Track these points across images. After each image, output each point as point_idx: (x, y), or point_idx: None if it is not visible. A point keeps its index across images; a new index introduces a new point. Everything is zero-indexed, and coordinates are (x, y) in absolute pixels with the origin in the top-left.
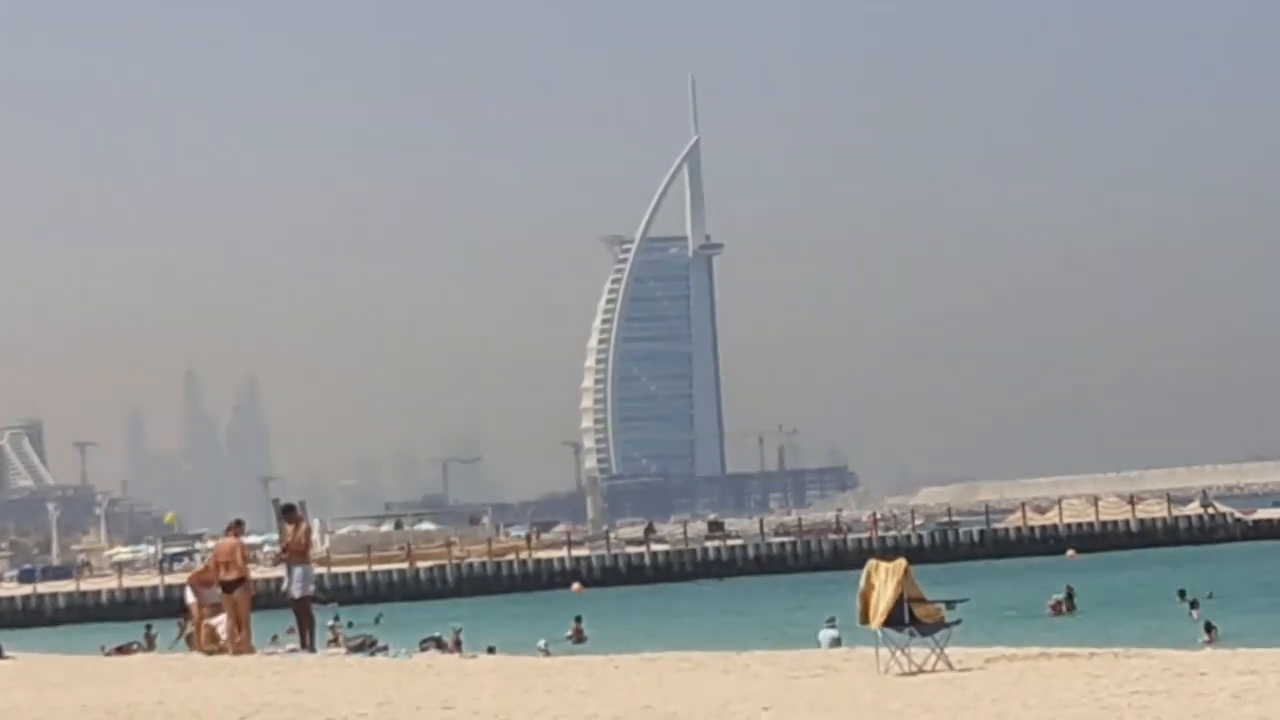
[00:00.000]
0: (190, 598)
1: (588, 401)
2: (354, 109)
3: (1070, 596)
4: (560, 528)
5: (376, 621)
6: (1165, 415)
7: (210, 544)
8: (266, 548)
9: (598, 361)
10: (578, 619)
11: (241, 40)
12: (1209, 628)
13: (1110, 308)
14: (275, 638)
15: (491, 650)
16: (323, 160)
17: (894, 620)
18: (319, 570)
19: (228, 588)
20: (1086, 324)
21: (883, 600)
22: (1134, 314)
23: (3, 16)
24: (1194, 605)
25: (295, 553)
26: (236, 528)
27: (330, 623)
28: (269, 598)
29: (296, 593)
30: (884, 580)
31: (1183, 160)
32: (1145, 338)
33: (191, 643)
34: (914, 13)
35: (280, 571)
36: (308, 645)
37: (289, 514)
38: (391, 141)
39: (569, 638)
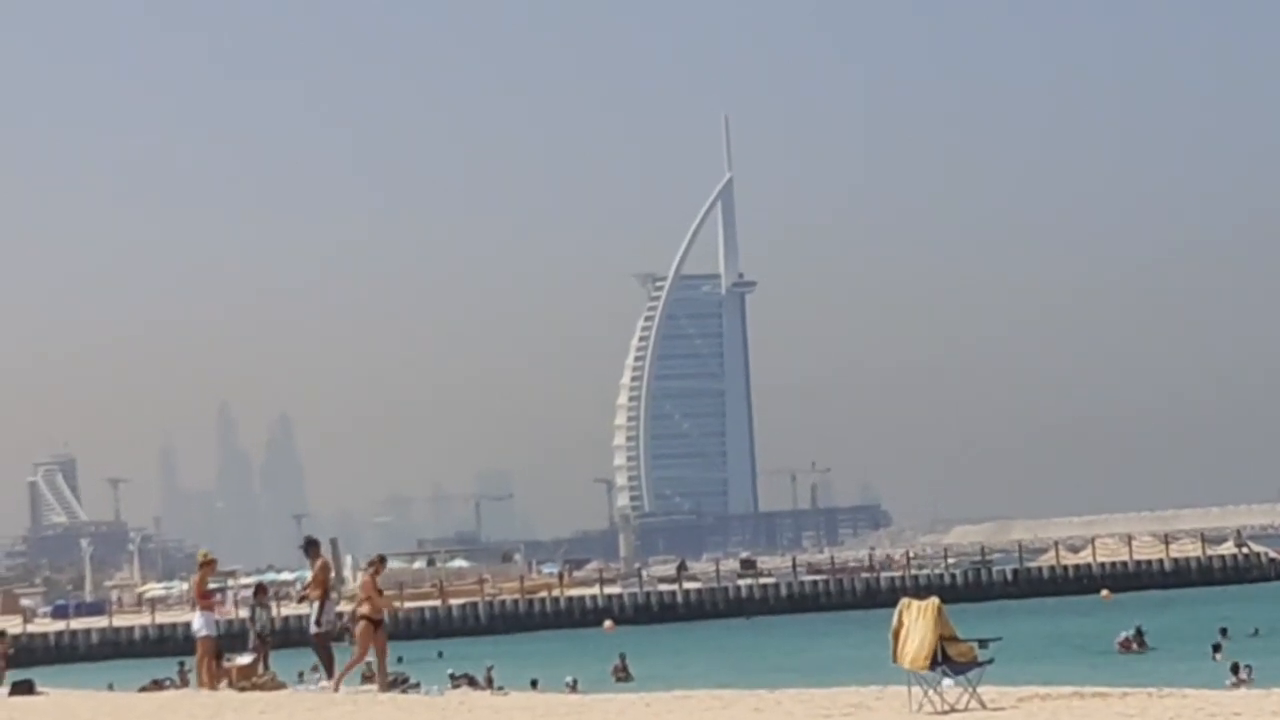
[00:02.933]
0: (203, 627)
1: (620, 439)
2: (387, 144)
3: (1140, 634)
4: (592, 565)
5: (440, 656)
6: (1200, 454)
7: (246, 580)
8: (298, 585)
9: (630, 399)
10: (622, 656)
11: (265, 76)
12: (1235, 669)
13: (1145, 345)
14: (301, 675)
15: (534, 684)
16: (354, 195)
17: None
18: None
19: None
20: (1120, 362)
21: (914, 638)
22: (1169, 352)
23: None
24: (1216, 649)
25: (315, 588)
26: (379, 564)
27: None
28: (292, 635)
29: (315, 628)
30: (915, 619)
31: (1216, 188)
32: (1180, 376)
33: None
34: (944, 52)
35: (306, 609)
36: (331, 679)
37: (309, 549)
38: (422, 178)
39: (613, 675)
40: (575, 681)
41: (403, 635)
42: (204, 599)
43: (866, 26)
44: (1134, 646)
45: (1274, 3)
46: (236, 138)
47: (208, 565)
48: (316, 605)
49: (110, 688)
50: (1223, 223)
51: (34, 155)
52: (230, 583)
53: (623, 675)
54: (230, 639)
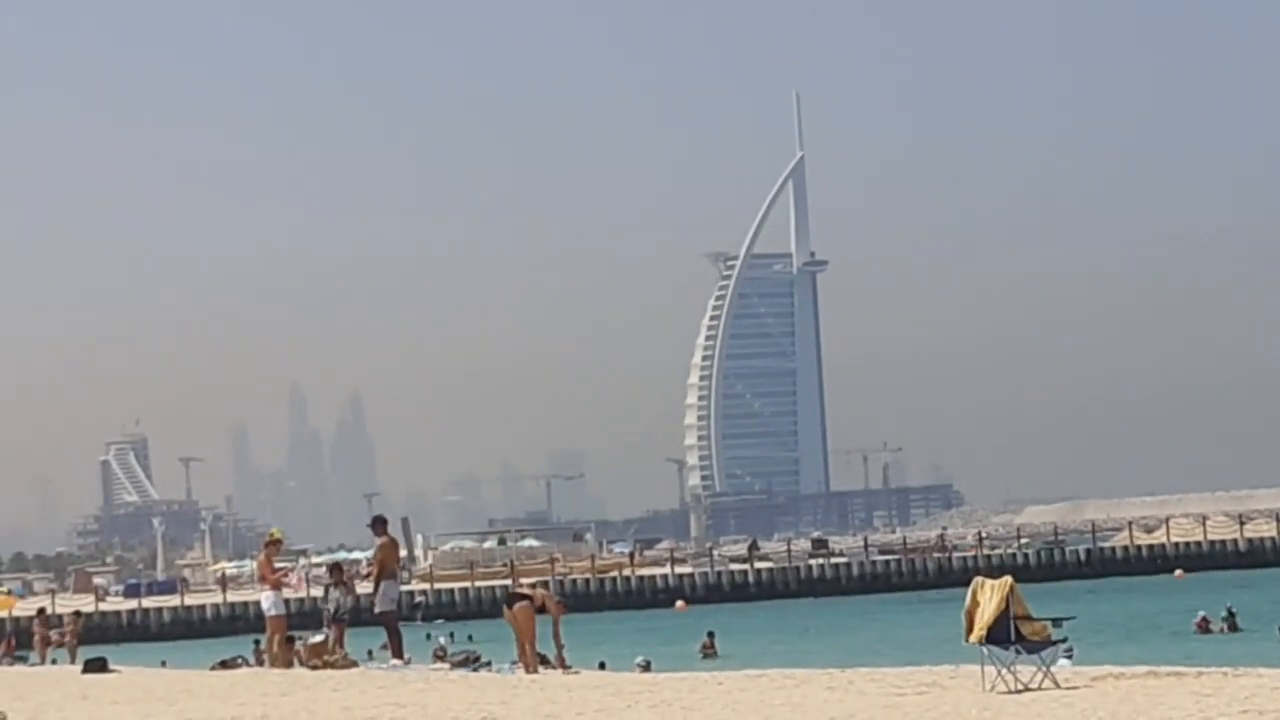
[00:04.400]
0: (271, 606)
1: (691, 419)
2: (458, 127)
3: (1232, 615)
4: (663, 545)
5: (470, 640)
6: (1274, 433)
7: (317, 559)
8: (365, 564)
9: (701, 379)
10: (710, 634)
11: (329, 71)
12: None
13: (1216, 323)
14: (370, 653)
15: (602, 666)
16: (430, 181)
17: (999, 637)
18: (424, 586)
19: (512, 600)
20: (1194, 339)
21: (985, 614)
22: (1242, 327)
23: None
24: None
25: (375, 566)
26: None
27: (442, 639)
28: (364, 614)
29: (379, 607)
30: (989, 597)
31: (1256, 168)
32: (1254, 352)
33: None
34: (1017, 25)
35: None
36: (397, 656)
37: (376, 527)
38: (496, 162)
39: (701, 652)
40: (648, 662)
41: (474, 614)
42: (271, 577)
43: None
44: (1222, 628)
45: None
46: (295, 124)
47: (274, 544)
48: (383, 585)
49: (163, 664)
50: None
51: (103, 147)
52: (302, 561)
53: (710, 652)
54: (303, 617)
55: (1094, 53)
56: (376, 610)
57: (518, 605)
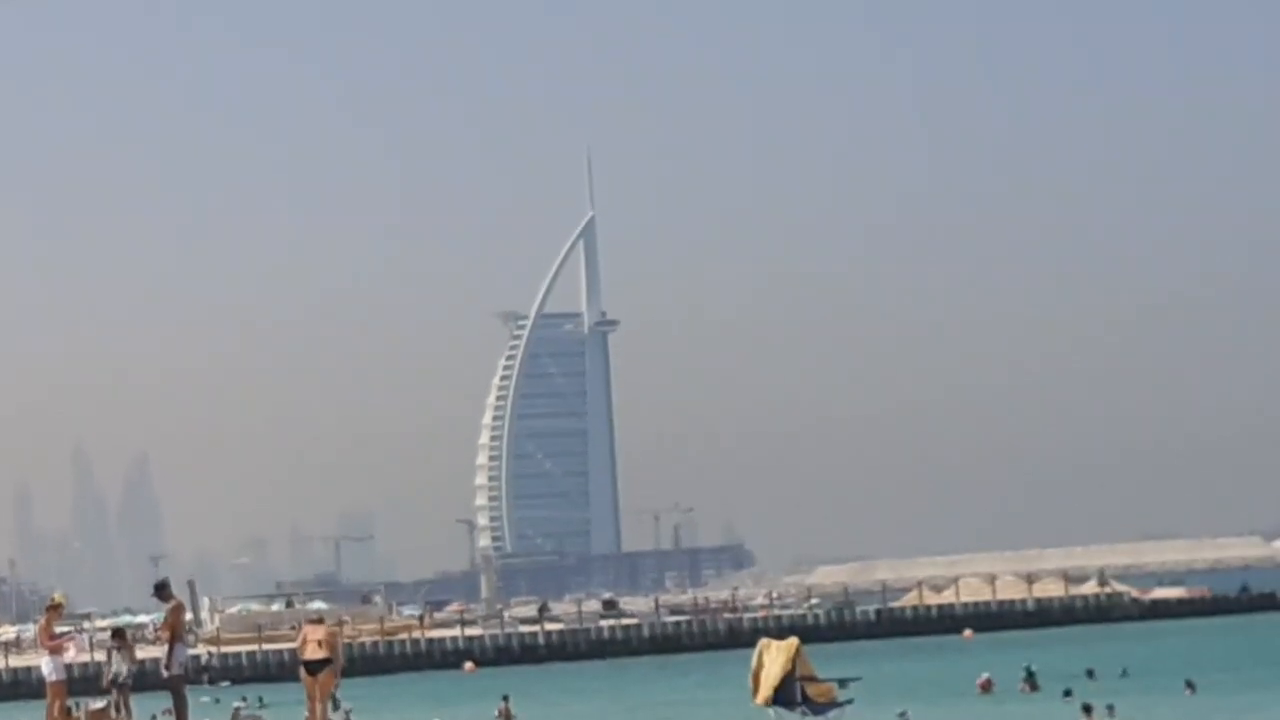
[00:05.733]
0: (51, 672)
1: (482, 479)
2: (259, 188)
3: (1032, 675)
4: (453, 606)
5: (261, 703)
6: (1062, 494)
7: (101, 622)
8: (152, 628)
9: (492, 439)
10: (505, 698)
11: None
12: (1087, 709)
13: (1005, 385)
14: (154, 718)
15: None
16: (210, 230)
17: (787, 699)
18: (210, 650)
19: (313, 668)
20: (980, 402)
21: (769, 676)
22: (1030, 392)
23: None
24: (1067, 693)
25: (165, 630)
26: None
27: (236, 704)
28: (149, 678)
29: (171, 671)
30: (774, 658)
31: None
32: (1041, 416)
33: None
34: (804, 87)
35: (159, 651)
36: None
37: (161, 592)
38: (282, 213)
39: (497, 716)
40: None
41: (261, 678)
42: (51, 642)
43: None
44: (1023, 688)
45: None
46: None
47: (55, 609)
48: (167, 648)
49: None
50: (1096, 280)
51: None
52: (86, 625)
53: (507, 716)
54: (86, 682)
55: (867, 101)
56: (167, 674)
57: (323, 672)
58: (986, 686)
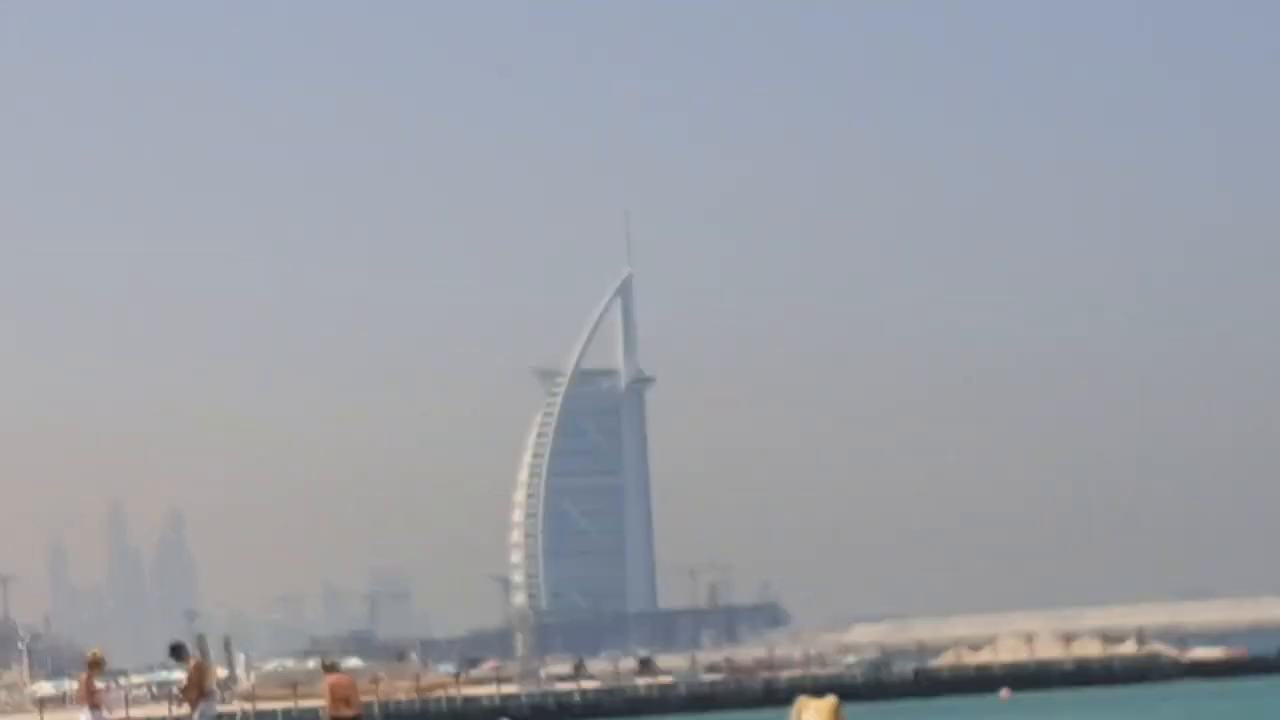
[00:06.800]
0: None
1: (517, 536)
2: (280, 235)
3: None
4: (489, 664)
5: None
6: (1101, 552)
7: (136, 679)
8: (177, 687)
9: (528, 496)
10: None
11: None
12: None
13: (1046, 442)
14: None
15: None
16: (248, 287)
17: None
18: (245, 706)
19: None
20: (1021, 460)
21: None
22: (1070, 448)
23: None
24: None
25: (192, 690)
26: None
27: None
28: None
29: None
30: (811, 717)
31: (1115, 281)
32: (1080, 473)
33: None
34: (849, 143)
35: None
36: None
37: (177, 654)
38: (319, 269)
39: None
40: None
41: None
42: (91, 697)
43: (754, 123)
44: None
45: None
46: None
47: (95, 664)
48: (191, 708)
49: None
50: (1121, 304)
51: None
52: (121, 681)
53: None
54: None
55: (919, 174)
56: None
57: None
58: None
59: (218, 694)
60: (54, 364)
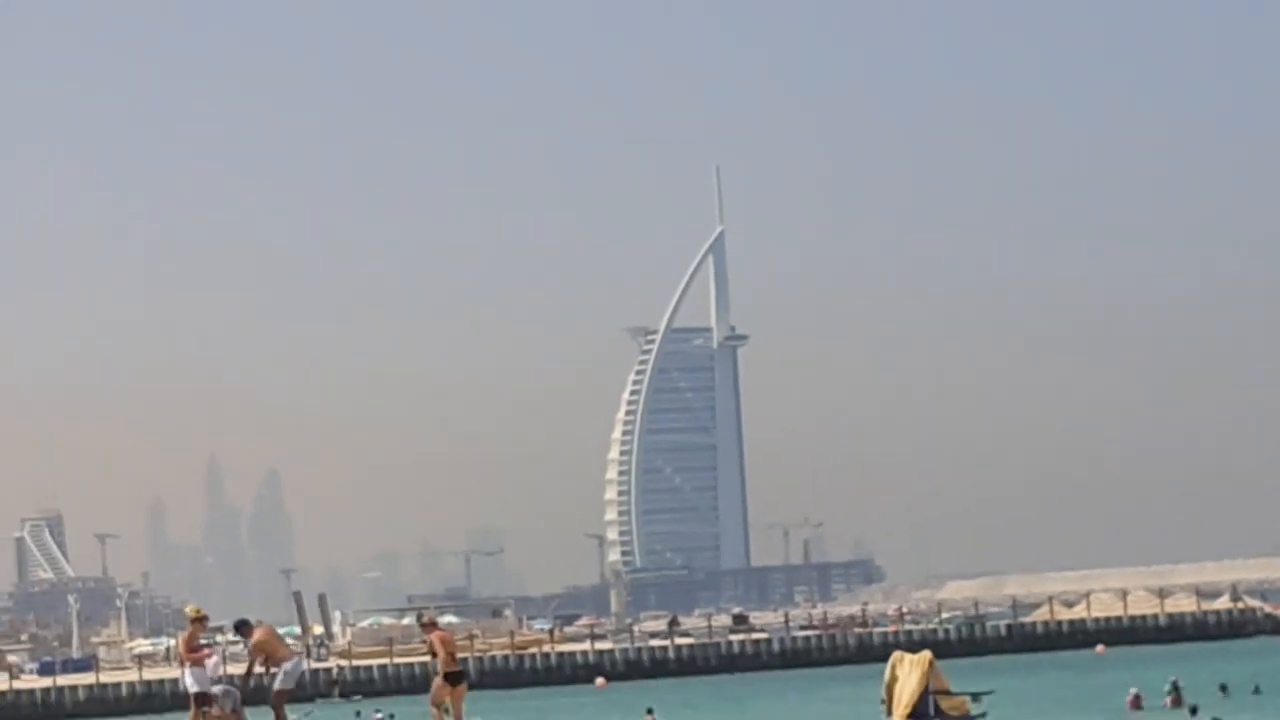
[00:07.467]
0: (193, 684)
1: (611, 494)
2: (385, 206)
3: (1177, 689)
4: (583, 621)
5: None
6: (1194, 508)
7: (232, 637)
8: (289, 640)
9: (621, 453)
10: (649, 711)
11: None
12: (1194, 711)
13: (1137, 399)
14: None
15: None
16: (350, 253)
17: (919, 712)
18: (341, 663)
19: (454, 679)
20: (1116, 415)
21: (905, 691)
22: (1163, 404)
23: None
24: (1194, 710)
25: (270, 656)
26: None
27: (376, 714)
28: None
29: (279, 685)
30: (907, 672)
31: (1211, 235)
32: (1174, 429)
33: None
34: (940, 100)
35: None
36: None
37: (241, 630)
38: (416, 232)
39: None
40: None
41: (392, 691)
42: (193, 655)
43: (849, 84)
44: (1166, 703)
45: None
46: (208, 215)
47: (198, 622)
48: (264, 671)
49: None
50: (1211, 262)
51: (25, 224)
52: (218, 638)
53: None
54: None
55: (1013, 133)
56: (277, 687)
57: (461, 684)
58: (1136, 702)
59: (297, 654)
60: (154, 324)
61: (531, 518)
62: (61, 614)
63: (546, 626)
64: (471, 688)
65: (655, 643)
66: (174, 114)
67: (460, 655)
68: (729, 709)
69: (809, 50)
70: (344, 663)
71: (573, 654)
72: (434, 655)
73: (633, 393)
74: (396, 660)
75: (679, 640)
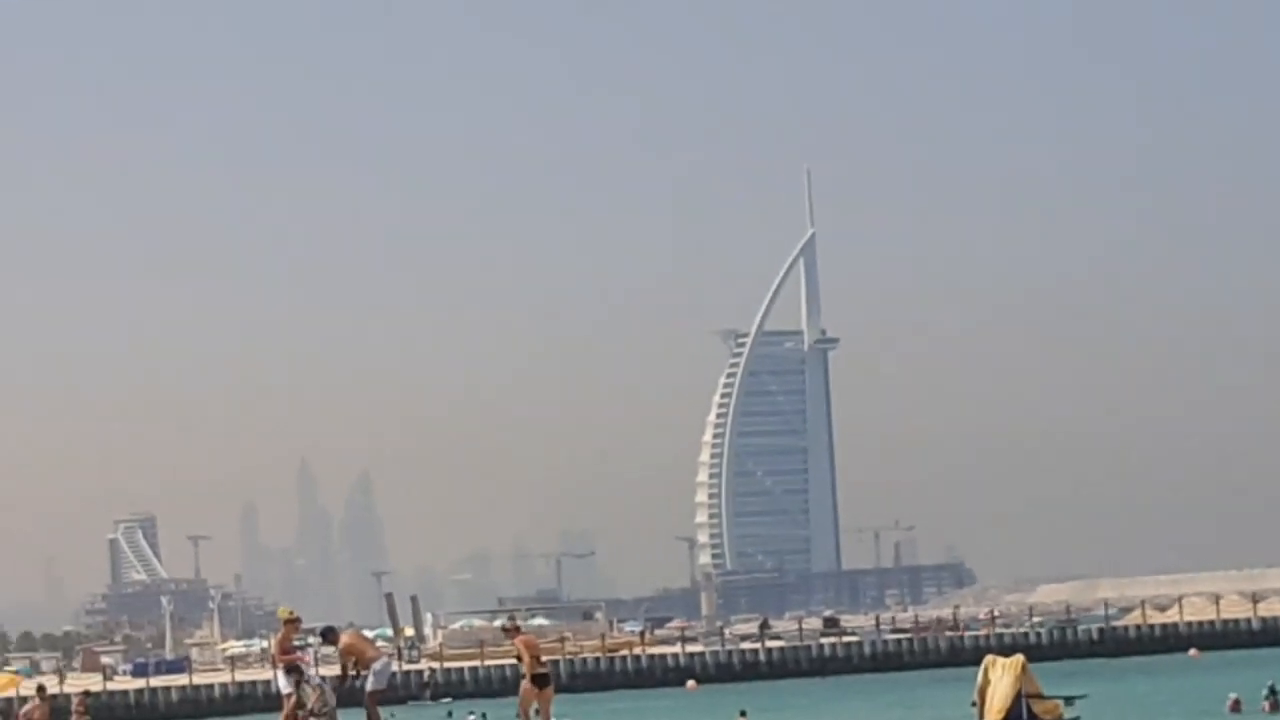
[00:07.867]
0: (286, 685)
1: (702, 496)
2: (475, 216)
3: (1275, 693)
4: (674, 623)
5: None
6: None
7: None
8: (380, 642)
9: (712, 456)
10: (743, 713)
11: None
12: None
13: (1229, 402)
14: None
15: None
16: (441, 264)
17: (1012, 716)
18: (433, 665)
19: (541, 681)
20: (1203, 420)
21: (998, 695)
22: (1255, 409)
23: None
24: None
25: (360, 664)
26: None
27: (470, 716)
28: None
29: (370, 685)
30: (1000, 675)
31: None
32: (1268, 432)
33: None
34: (1031, 101)
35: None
36: None
37: (328, 636)
38: (509, 240)
39: None
40: None
41: (483, 693)
42: (287, 657)
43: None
44: (1264, 707)
45: None
46: (295, 212)
47: (291, 624)
48: (356, 674)
49: None
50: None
51: (106, 233)
52: (311, 641)
53: None
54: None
55: (1098, 134)
56: (369, 689)
57: (548, 686)
58: (1236, 706)
59: (386, 654)
60: (247, 324)
61: (622, 520)
62: (155, 615)
63: (637, 629)
64: (562, 690)
65: (746, 645)
66: (307, 116)
67: (551, 658)
68: (820, 712)
69: (898, 53)
70: (435, 665)
71: (663, 657)
72: (520, 660)
73: (724, 395)
74: (488, 662)
75: (770, 643)
